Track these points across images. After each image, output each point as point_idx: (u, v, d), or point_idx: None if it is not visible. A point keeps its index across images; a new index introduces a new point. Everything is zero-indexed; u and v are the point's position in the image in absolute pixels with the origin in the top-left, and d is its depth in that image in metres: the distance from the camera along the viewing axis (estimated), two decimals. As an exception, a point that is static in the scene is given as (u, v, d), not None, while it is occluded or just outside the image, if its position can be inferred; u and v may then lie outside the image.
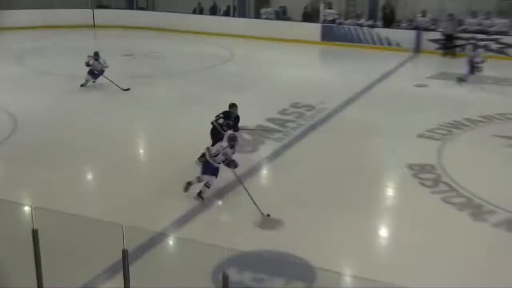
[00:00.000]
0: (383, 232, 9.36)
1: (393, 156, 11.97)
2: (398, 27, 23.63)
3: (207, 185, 9.48)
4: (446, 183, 10.48)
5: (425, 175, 10.85)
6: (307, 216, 9.12)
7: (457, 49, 21.58)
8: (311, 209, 9.23)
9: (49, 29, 24.20)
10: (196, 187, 9.60)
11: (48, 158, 11.48)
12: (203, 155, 10.14)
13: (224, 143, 9.52)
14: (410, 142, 12.62)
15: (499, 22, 22.11)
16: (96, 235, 7.73)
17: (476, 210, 9.50)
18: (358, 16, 24.28)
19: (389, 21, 24.05)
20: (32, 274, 5.22)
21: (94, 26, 25.78)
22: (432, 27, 22.65)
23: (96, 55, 15.71)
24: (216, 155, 9.39)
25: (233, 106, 11.03)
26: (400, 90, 17.23)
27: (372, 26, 23.44)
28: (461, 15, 22.52)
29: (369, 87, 17.34)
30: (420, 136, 12.93)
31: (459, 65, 17.94)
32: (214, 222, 9.28)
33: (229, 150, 9.41)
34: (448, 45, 21.71)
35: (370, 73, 18.75)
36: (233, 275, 7.13)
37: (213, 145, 10.29)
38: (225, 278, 4.78)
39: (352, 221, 9.00)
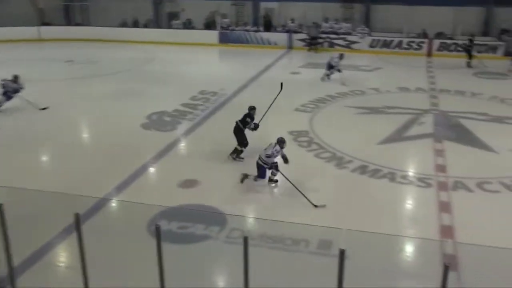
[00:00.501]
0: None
1: (279, 125, 11.84)
2: (275, 31, 23.79)
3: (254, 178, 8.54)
4: (317, 143, 10.61)
5: (301, 138, 10.93)
6: (216, 175, 8.95)
7: (318, 46, 21.94)
8: (219, 170, 9.05)
9: (2, 44, 22.26)
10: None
11: (10, 145, 10.59)
12: (235, 150, 9.62)
13: (278, 147, 8.36)
14: (290, 114, 12.65)
15: (345, 26, 23.00)
16: (52, 204, 7.26)
17: (339, 161, 9.70)
18: (245, 24, 24.20)
19: (268, 26, 24.23)
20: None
21: (40, 39, 24.11)
22: (299, 30, 22.96)
23: (16, 78, 13.27)
24: (269, 157, 8.33)
25: (253, 108, 9.87)
26: (280, 77, 16.90)
27: (256, 31, 23.40)
28: (319, 21, 22.92)
29: (257, 76, 17.22)
30: (297, 110, 13.03)
31: (320, 57, 18.20)
32: (145, 186, 8.86)
33: (282, 152, 8.42)
34: (312, 43, 22.05)
35: (256, 65, 18.61)
36: (164, 225, 6.92)
37: (237, 141, 9.65)
38: (158, 229, 4.54)
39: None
